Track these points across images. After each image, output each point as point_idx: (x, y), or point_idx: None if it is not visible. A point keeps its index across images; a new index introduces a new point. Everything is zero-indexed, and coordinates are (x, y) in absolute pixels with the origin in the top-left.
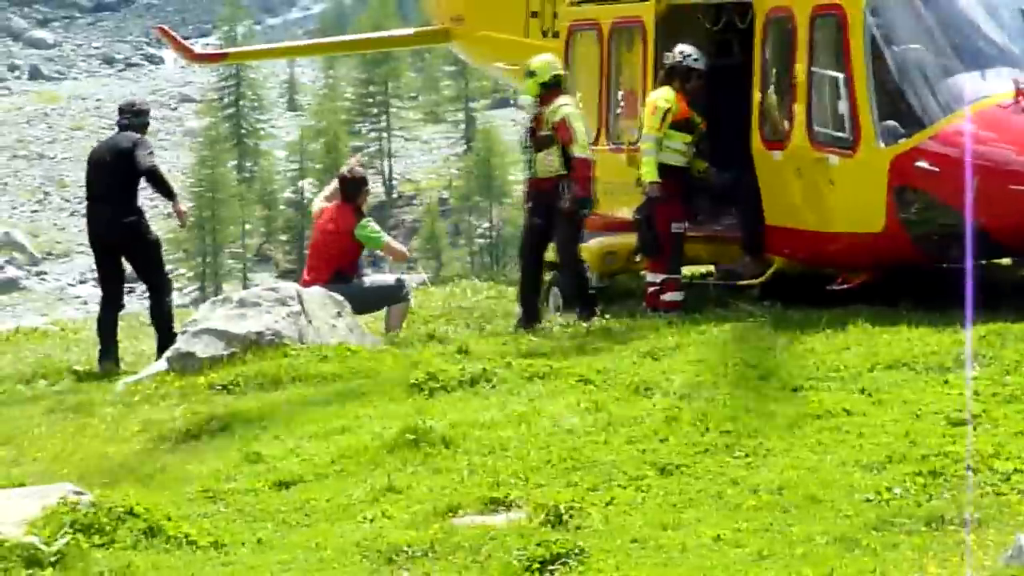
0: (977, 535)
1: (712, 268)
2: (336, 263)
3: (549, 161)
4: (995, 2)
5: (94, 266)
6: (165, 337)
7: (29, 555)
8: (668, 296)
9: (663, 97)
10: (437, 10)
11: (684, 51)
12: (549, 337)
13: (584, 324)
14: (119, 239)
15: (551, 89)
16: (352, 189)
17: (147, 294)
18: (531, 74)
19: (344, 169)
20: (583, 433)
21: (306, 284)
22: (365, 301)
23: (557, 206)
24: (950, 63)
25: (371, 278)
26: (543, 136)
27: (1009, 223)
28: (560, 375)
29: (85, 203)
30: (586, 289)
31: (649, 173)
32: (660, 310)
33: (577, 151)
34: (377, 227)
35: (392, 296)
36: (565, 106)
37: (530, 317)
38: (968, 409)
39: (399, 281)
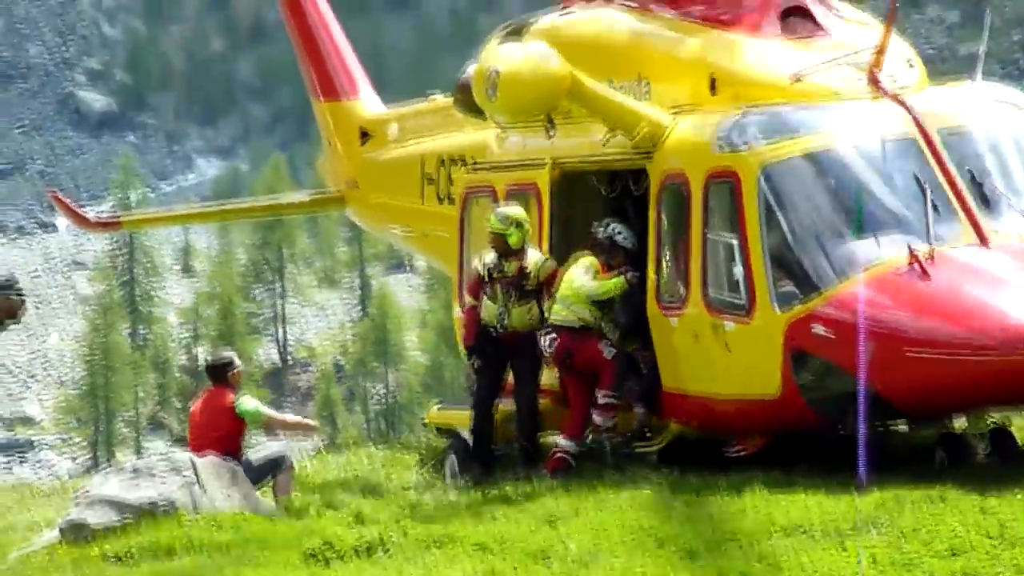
0: None
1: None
2: (223, 445)
3: (532, 314)
4: (889, 167)
5: None
6: None
7: None
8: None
9: (587, 264)
10: (332, 176)
11: (614, 228)
12: (446, 504)
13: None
14: None
15: (526, 243)
16: (219, 373)
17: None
18: (518, 225)
19: (208, 356)
20: None
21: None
22: (254, 478)
23: (525, 358)
24: (844, 228)
25: (256, 452)
26: (529, 290)
27: (905, 388)
28: (457, 542)
29: None
30: (537, 441)
31: (611, 285)
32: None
33: None
34: (255, 402)
35: (276, 467)
36: (547, 259)
37: (488, 465)
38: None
39: (280, 452)
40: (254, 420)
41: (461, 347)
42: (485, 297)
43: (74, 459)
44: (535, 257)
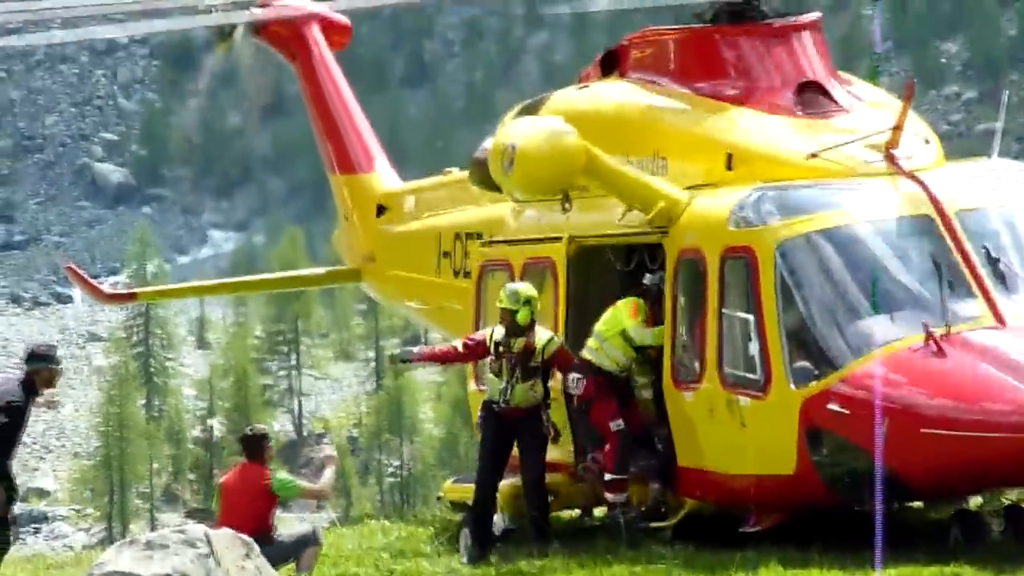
0: None
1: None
2: (254, 524)
3: (536, 391)
4: (905, 246)
5: None
6: None
7: None
8: (610, 497)
9: (638, 305)
10: (348, 250)
11: (663, 276)
12: None
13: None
14: None
15: (535, 320)
16: (255, 446)
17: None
18: (527, 302)
19: (246, 429)
20: None
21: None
22: (284, 555)
23: (530, 434)
24: (860, 306)
25: (287, 529)
26: (534, 367)
27: (920, 466)
28: None
29: None
30: (547, 515)
31: (657, 332)
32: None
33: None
34: (288, 475)
35: (306, 544)
36: (553, 337)
37: (484, 544)
38: None
39: (313, 529)
40: (290, 492)
41: (475, 421)
42: (490, 372)
43: (88, 531)
44: (543, 335)
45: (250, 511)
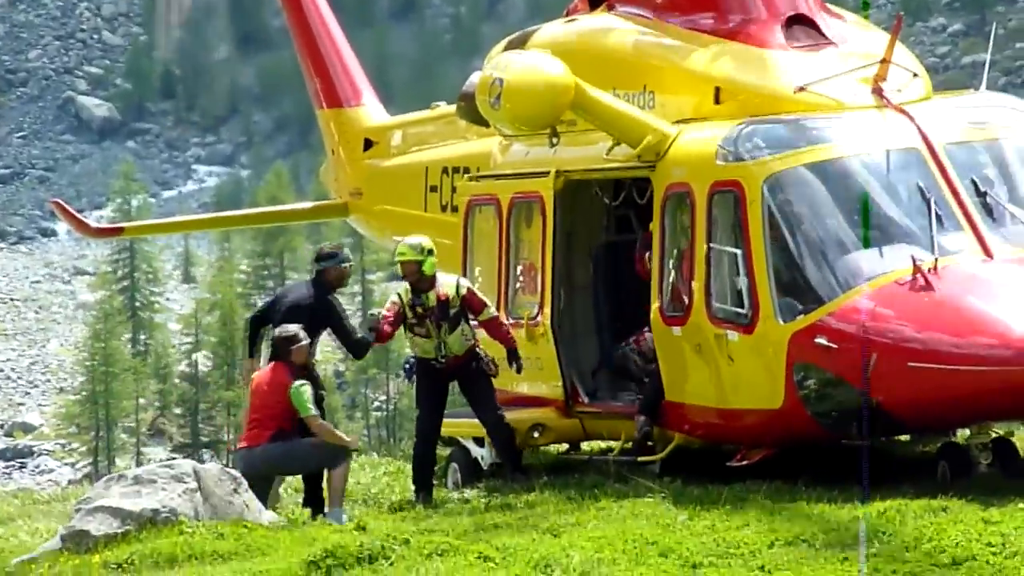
0: None
1: (612, 444)
2: (276, 423)
3: (467, 336)
4: (893, 179)
5: None
6: None
7: None
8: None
9: None
10: (335, 185)
11: None
12: (449, 513)
13: (518, 483)
14: None
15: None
16: (281, 347)
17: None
18: (430, 252)
19: (276, 330)
20: None
21: (243, 449)
22: (302, 467)
23: (475, 379)
24: (848, 240)
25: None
26: (455, 314)
27: (908, 400)
28: (460, 552)
29: None
30: (519, 453)
31: None
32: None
33: (493, 311)
34: (306, 395)
35: (328, 460)
36: (458, 279)
37: (428, 490)
38: None
39: (347, 445)
40: (297, 403)
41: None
42: (416, 336)
43: (73, 466)
44: (448, 281)
45: (274, 409)
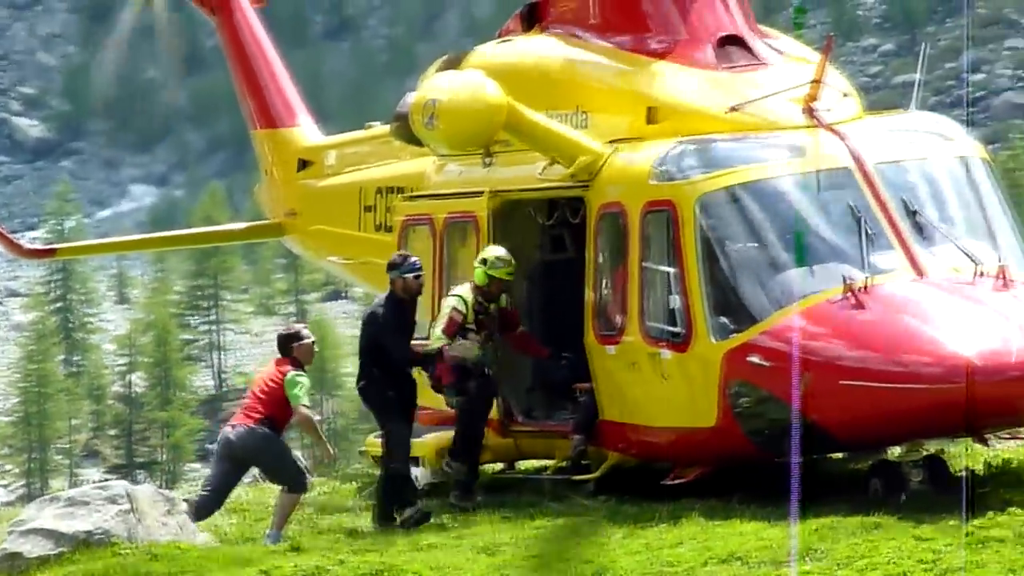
0: None
1: (548, 463)
2: (268, 410)
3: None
4: (825, 198)
5: None
6: None
7: None
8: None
9: None
10: (270, 205)
11: None
12: (384, 533)
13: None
14: None
15: None
16: (284, 344)
17: None
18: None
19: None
20: None
21: (234, 427)
22: (273, 465)
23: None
24: (780, 259)
25: (297, 453)
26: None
27: (840, 418)
28: (395, 572)
29: None
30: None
31: None
32: None
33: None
34: (302, 386)
35: (293, 479)
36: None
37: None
38: None
39: (307, 472)
40: (290, 391)
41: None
42: (471, 340)
43: (7, 487)
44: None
45: (267, 398)
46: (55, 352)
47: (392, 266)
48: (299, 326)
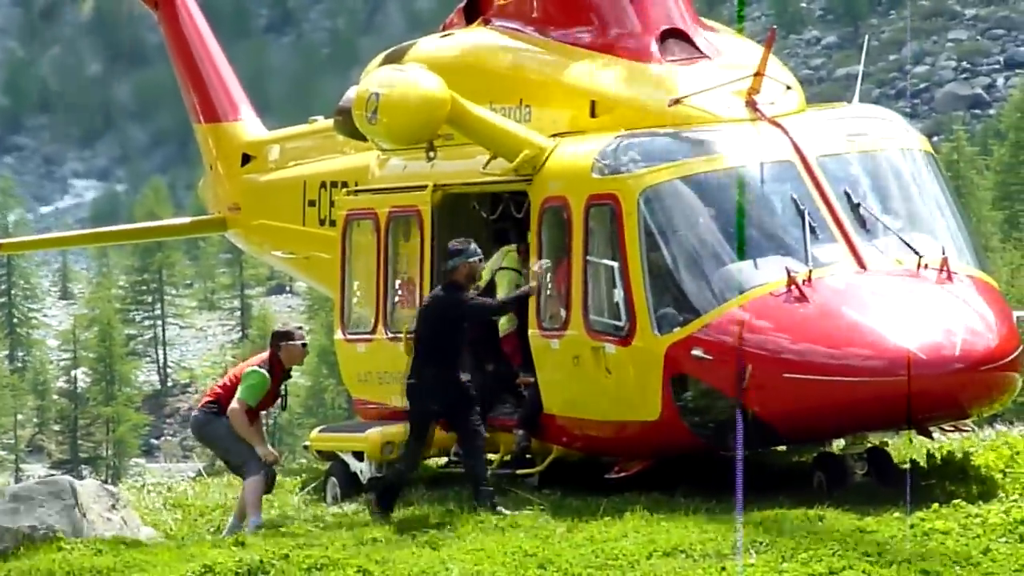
0: None
1: (491, 457)
2: (219, 395)
3: None
4: (767, 191)
5: None
6: None
7: None
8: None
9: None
10: (213, 200)
11: None
12: (327, 528)
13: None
14: None
15: None
16: (272, 339)
17: None
18: None
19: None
20: None
21: (211, 398)
22: (222, 445)
23: None
24: (723, 252)
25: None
26: None
27: (783, 411)
28: (339, 566)
29: None
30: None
31: None
32: None
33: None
34: (252, 385)
35: (244, 461)
36: None
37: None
38: None
39: (265, 461)
40: (244, 382)
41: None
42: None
43: None
44: None
45: (228, 384)
46: None
47: (455, 253)
48: (295, 327)
